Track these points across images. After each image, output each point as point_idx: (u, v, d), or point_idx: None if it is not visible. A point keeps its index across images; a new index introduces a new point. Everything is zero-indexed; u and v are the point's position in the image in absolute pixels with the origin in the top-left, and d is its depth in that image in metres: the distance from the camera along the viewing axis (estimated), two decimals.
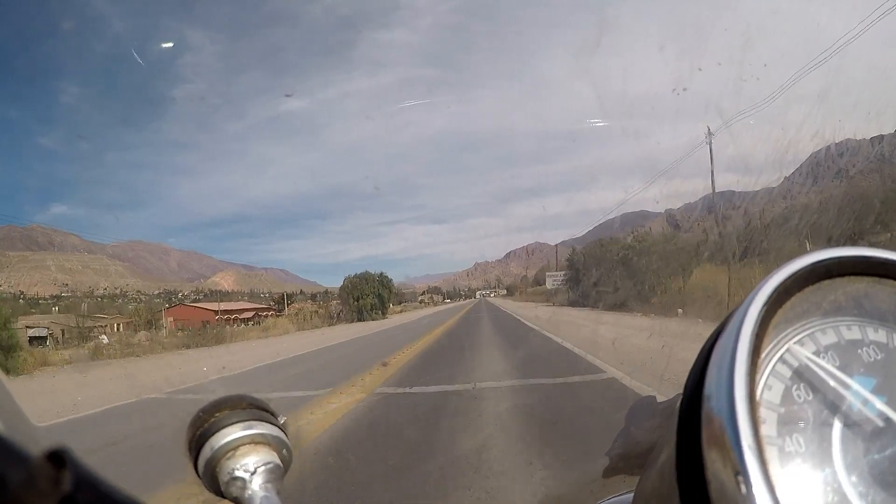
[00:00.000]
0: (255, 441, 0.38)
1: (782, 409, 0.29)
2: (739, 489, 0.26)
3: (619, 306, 15.98)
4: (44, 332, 23.42)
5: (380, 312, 32.34)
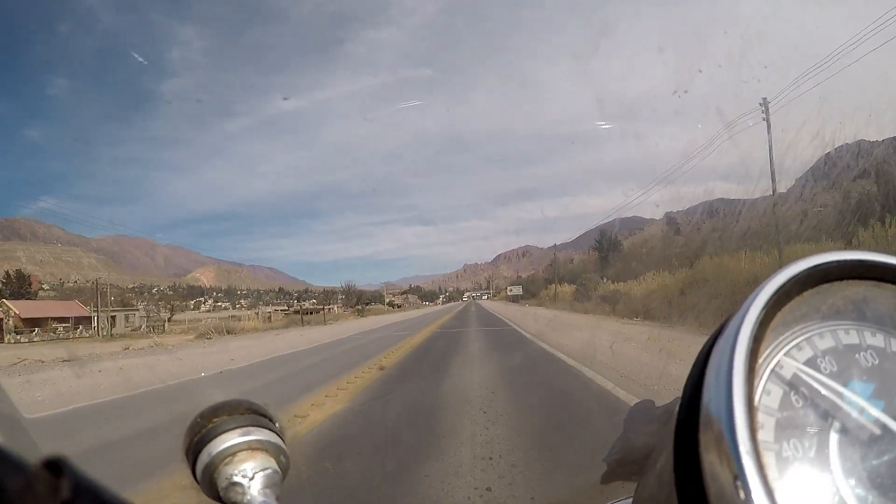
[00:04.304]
0: (253, 447, 0.38)
1: (780, 415, 0.29)
2: (738, 494, 0.26)
3: None
4: None
5: None
